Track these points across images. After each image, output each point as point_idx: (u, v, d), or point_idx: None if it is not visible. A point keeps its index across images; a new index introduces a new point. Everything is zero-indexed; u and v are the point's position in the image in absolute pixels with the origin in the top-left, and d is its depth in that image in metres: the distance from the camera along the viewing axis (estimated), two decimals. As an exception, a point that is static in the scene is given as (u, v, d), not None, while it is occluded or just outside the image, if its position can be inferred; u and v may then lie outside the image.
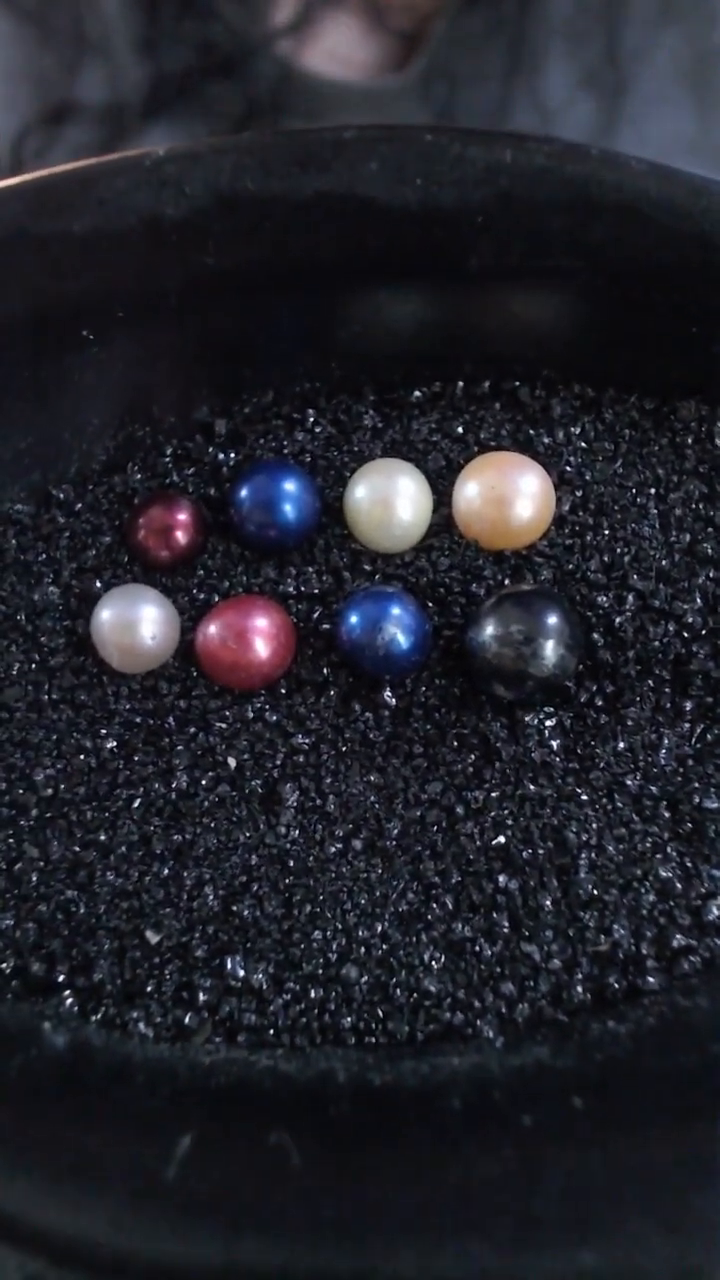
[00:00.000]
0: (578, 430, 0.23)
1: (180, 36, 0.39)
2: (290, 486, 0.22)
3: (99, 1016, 0.19)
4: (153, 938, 0.20)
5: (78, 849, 0.21)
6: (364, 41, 0.40)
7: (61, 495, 0.23)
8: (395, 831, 0.20)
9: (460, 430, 0.23)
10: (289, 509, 0.22)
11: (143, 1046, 0.19)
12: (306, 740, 0.21)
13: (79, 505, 0.23)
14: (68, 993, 0.20)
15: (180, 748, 0.21)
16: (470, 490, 0.22)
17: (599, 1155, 0.15)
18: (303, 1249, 0.15)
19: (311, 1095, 0.17)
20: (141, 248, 0.21)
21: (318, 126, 0.21)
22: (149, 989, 0.19)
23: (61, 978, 0.20)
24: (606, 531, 0.22)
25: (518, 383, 0.23)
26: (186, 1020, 0.19)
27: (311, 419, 0.23)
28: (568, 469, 0.22)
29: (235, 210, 0.21)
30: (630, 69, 0.40)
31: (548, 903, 0.19)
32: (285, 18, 0.40)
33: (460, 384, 0.23)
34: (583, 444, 0.23)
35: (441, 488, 0.22)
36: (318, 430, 0.23)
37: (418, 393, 0.23)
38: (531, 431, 0.23)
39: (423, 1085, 0.17)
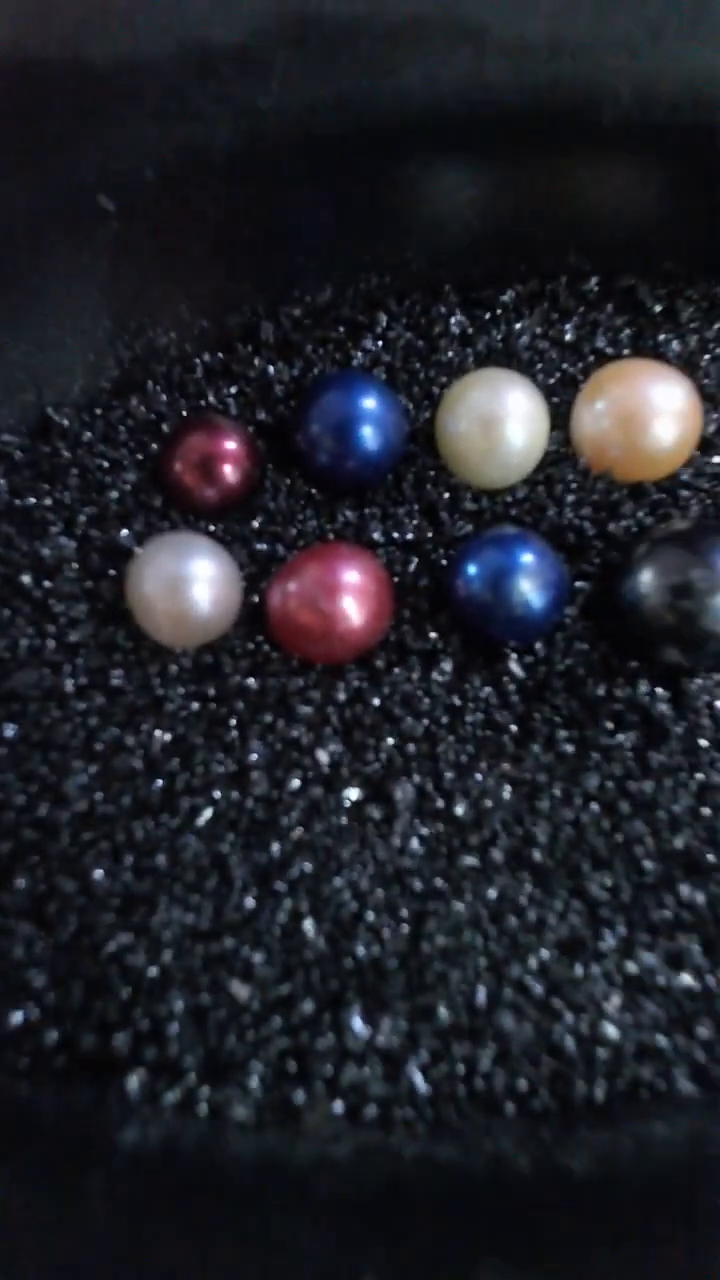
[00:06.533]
0: (712, 335, 0.19)
1: None
2: (370, 404, 0.17)
3: (175, 1098, 0.15)
4: (241, 992, 0.15)
5: (129, 878, 0.16)
6: None
7: (65, 421, 0.18)
8: (544, 838, 0.16)
9: (571, 337, 0.19)
10: (370, 434, 0.17)
11: (243, 1138, 0.14)
12: (418, 725, 0.16)
13: (86, 435, 0.18)
14: (134, 1071, 0.15)
15: (255, 741, 0.16)
16: (599, 408, 0.17)
17: None
18: None
19: (499, 1196, 0.13)
20: (180, 84, 0.16)
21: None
22: (242, 1059, 0.15)
23: (124, 1052, 0.15)
24: (763, 456, 0.18)
25: (635, 279, 0.19)
26: (299, 1098, 0.15)
27: (384, 323, 0.19)
28: (706, 381, 0.18)
29: (305, 37, 0.16)
30: None
31: (744, 917, 0.16)
32: None
33: (564, 279, 0.19)
34: (720, 351, 0.19)
35: (552, 406, 0.18)
36: (392, 336, 0.19)
37: (512, 291, 0.19)
38: (659, 338, 0.19)
39: (645, 1170, 0.13)
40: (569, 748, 0.16)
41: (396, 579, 0.17)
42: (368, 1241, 0.12)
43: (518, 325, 0.19)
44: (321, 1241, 0.12)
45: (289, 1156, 0.14)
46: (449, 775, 0.16)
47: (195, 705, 0.17)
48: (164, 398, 0.18)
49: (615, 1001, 0.15)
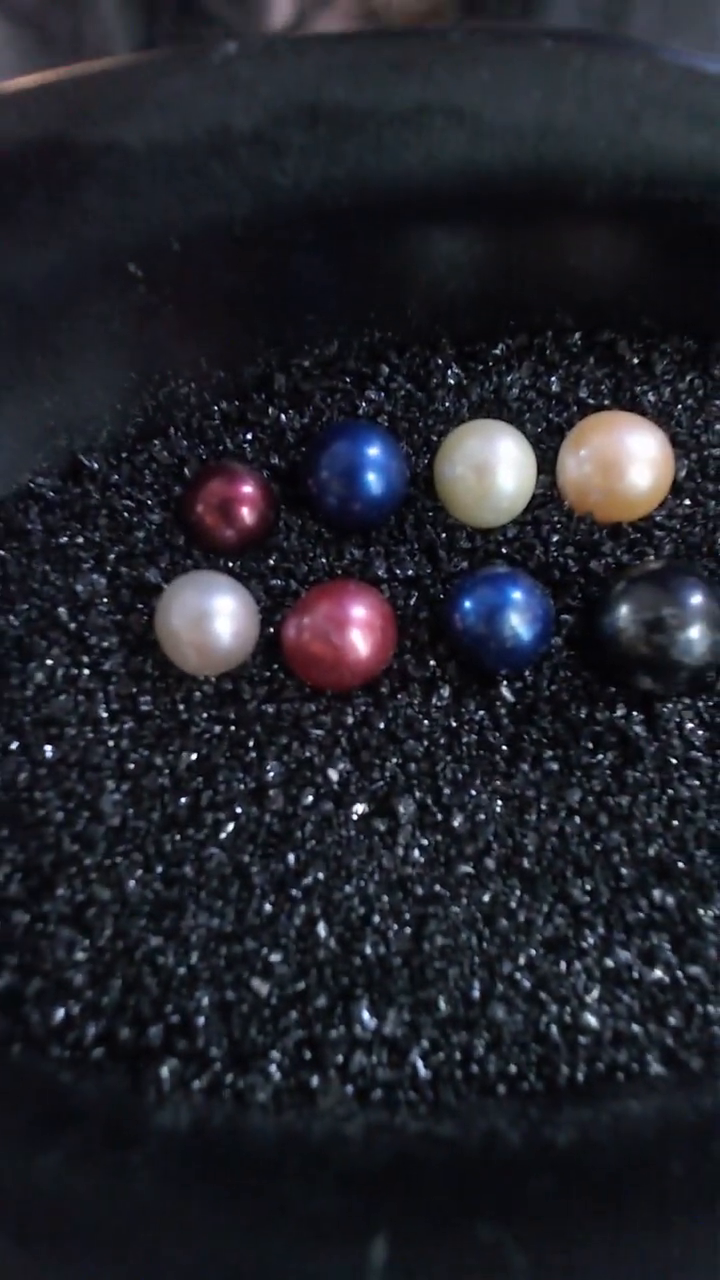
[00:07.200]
0: (684, 387, 0.21)
1: (179, 39, 0.36)
2: (374, 452, 0.19)
3: (203, 1084, 0.16)
4: (261, 988, 0.17)
5: (159, 887, 0.17)
6: None
7: (95, 465, 0.20)
8: (532, 848, 0.18)
9: (557, 388, 0.20)
10: (374, 479, 0.19)
11: (265, 1118, 0.16)
12: (419, 746, 0.18)
13: (115, 477, 0.20)
14: (166, 1061, 0.16)
15: (271, 761, 0.18)
16: (582, 455, 0.19)
17: None
18: None
19: (492, 1165, 0.15)
20: (203, 164, 0.18)
21: (415, 27, 0.18)
22: (263, 1048, 0.17)
23: (157, 1043, 0.17)
24: (730, 500, 0.20)
25: (614, 334, 0.21)
26: (314, 1082, 0.16)
27: (386, 374, 0.20)
28: (679, 430, 0.20)
29: (318, 122, 0.18)
30: None
31: (710, 918, 0.17)
32: (281, 20, 0.37)
33: (549, 334, 0.21)
34: (692, 402, 0.20)
35: (539, 452, 0.20)
36: (393, 387, 0.20)
37: (502, 345, 0.21)
38: (637, 389, 0.20)
39: (621, 1143, 0.15)
40: (554, 766, 0.18)
41: (399, 612, 0.19)
42: (378, 1207, 0.14)
43: (508, 377, 0.20)
44: (337, 1207, 0.14)
45: (306, 1134, 0.16)
46: (447, 791, 0.18)
47: (218, 728, 0.18)
48: (185, 443, 0.20)
49: (595, 994, 0.17)
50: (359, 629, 0.18)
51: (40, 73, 0.17)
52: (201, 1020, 0.17)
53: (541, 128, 0.18)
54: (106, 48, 0.38)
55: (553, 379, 0.20)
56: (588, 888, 0.18)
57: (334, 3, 0.37)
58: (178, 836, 0.18)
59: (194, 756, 0.18)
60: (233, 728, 0.18)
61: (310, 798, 0.18)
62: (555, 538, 0.19)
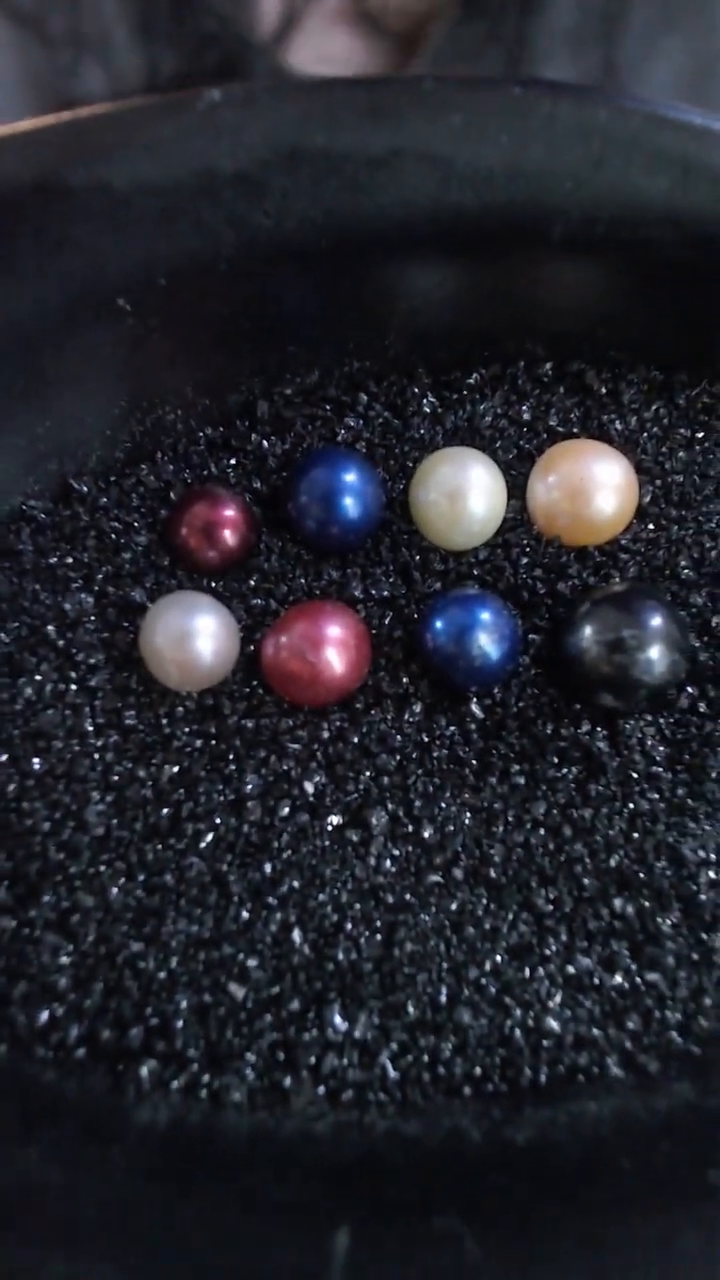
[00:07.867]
0: (650, 416, 0.21)
1: (178, 36, 0.37)
2: (352, 477, 0.20)
3: (181, 1084, 0.17)
4: (237, 991, 0.18)
5: (141, 894, 0.18)
6: (358, 44, 0.38)
7: (84, 489, 0.21)
8: (499, 858, 0.18)
9: (528, 416, 0.21)
10: (351, 504, 0.20)
11: (239, 1117, 0.17)
12: (391, 760, 0.19)
13: (103, 500, 0.21)
14: (145, 1061, 0.17)
15: (250, 774, 0.19)
16: (550, 481, 0.20)
17: None
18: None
19: (454, 1162, 0.16)
20: (191, 204, 0.18)
21: (390, 75, 0.19)
22: (238, 1050, 0.17)
23: (136, 1044, 0.17)
24: (692, 525, 0.20)
25: (583, 365, 0.22)
26: (287, 1083, 0.17)
27: (364, 402, 0.21)
28: (644, 457, 0.21)
29: (298, 165, 0.18)
30: (630, 78, 0.39)
31: (668, 927, 0.18)
32: (272, 16, 0.38)
33: (521, 364, 0.22)
34: (657, 430, 0.21)
35: (510, 478, 0.21)
36: (371, 415, 0.21)
37: (476, 375, 0.22)
38: (604, 418, 0.21)
39: (577, 1141, 0.16)
40: (521, 779, 0.19)
41: (374, 631, 0.20)
42: (344, 1201, 0.15)
43: (481, 406, 0.21)
44: (304, 1199, 0.15)
45: (278, 1132, 0.17)
46: (418, 803, 0.19)
47: (198, 742, 0.19)
48: (171, 468, 0.21)
49: (557, 999, 0.18)
50: (334, 647, 0.19)
51: (33, 118, 0.18)
52: (180, 1023, 0.17)
53: (510, 170, 0.19)
54: (105, 45, 0.39)
55: (524, 408, 0.21)
56: (551, 897, 0.18)
57: (325, 0, 0.39)
58: (159, 846, 0.18)
59: (176, 769, 0.19)
60: (213, 742, 0.19)
61: (287, 809, 0.19)
62: (524, 560, 0.20)
